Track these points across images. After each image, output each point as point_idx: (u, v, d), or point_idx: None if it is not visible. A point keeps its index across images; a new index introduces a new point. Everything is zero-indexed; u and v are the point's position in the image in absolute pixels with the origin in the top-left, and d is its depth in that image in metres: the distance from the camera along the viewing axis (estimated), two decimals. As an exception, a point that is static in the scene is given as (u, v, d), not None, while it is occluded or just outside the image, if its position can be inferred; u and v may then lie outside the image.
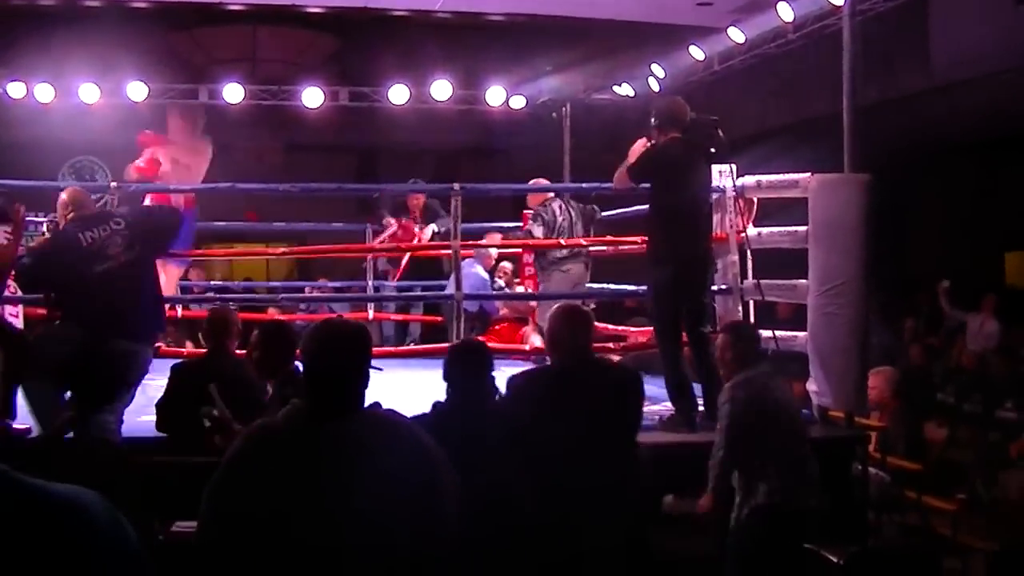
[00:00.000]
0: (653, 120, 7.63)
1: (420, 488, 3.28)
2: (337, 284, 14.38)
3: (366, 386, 3.48)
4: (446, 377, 4.93)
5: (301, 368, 3.60)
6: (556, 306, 5.68)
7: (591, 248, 10.73)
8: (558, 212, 10.36)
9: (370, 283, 12.54)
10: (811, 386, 7.96)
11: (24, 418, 6.85)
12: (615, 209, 10.57)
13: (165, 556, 4.93)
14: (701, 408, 7.53)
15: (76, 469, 4.18)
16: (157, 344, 7.71)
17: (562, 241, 10.02)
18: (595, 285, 11.39)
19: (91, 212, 7.37)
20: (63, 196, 7.43)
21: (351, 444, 3.30)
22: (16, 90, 13.16)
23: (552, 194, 10.77)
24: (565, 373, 5.30)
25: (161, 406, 6.41)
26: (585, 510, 4.63)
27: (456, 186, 9.08)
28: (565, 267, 10.48)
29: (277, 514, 3.17)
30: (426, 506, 3.27)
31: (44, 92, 13.06)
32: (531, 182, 10.84)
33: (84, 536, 1.73)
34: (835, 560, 6.19)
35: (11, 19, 13.39)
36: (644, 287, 8.25)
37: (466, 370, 4.89)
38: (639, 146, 7.78)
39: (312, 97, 14.72)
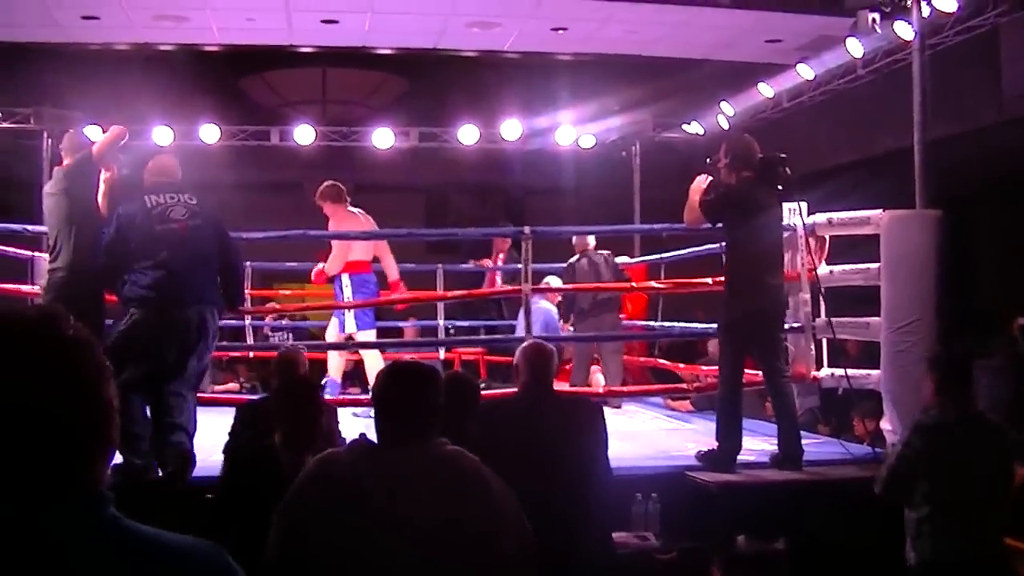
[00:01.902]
0: (725, 159, 7.60)
1: (480, 520, 3.36)
2: (408, 324, 14.36)
3: (432, 421, 3.57)
4: None
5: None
6: (524, 344, 6.05)
7: (661, 288, 10.79)
8: (585, 266, 11.20)
9: (441, 322, 12.58)
10: (885, 424, 7.87)
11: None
12: (683, 249, 10.54)
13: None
14: (775, 450, 7.47)
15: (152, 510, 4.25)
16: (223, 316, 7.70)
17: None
18: (664, 324, 11.39)
19: (167, 181, 7.40)
20: (152, 163, 7.53)
21: (411, 473, 3.40)
22: (93, 133, 13.36)
23: (591, 245, 11.28)
24: (526, 402, 5.65)
25: (231, 450, 6.43)
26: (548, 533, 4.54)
27: (527, 229, 9.07)
28: (597, 316, 11.21)
29: (340, 537, 3.28)
30: (486, 540, 3.35)
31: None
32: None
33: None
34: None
35: (87, 63, 13.61)
36: (714, 325, 8.21)
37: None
38: (700, 183, 7.76)
39: (382, 138, 14.85)
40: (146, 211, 7.08)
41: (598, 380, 11.18)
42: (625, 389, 11.25)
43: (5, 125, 14.86)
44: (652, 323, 12.07)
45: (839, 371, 8.68)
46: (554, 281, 11.72)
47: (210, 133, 14.68)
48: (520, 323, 9.27)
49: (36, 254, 9.75)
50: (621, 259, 12.67)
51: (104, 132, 8.11)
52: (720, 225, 7.69)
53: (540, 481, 4.91)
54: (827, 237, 9.06)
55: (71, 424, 1.63)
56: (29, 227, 7.83)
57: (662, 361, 12.07)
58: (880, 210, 8.19)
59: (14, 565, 1.56)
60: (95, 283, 7.32)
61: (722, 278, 8.00)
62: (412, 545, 3.25)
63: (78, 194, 7.23)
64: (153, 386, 7.05)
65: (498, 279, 12.91)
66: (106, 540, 1.63)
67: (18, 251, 9.89)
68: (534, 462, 5.11)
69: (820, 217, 8.98)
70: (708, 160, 7.84)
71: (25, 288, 9.49)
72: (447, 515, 3.31)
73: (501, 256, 13.07)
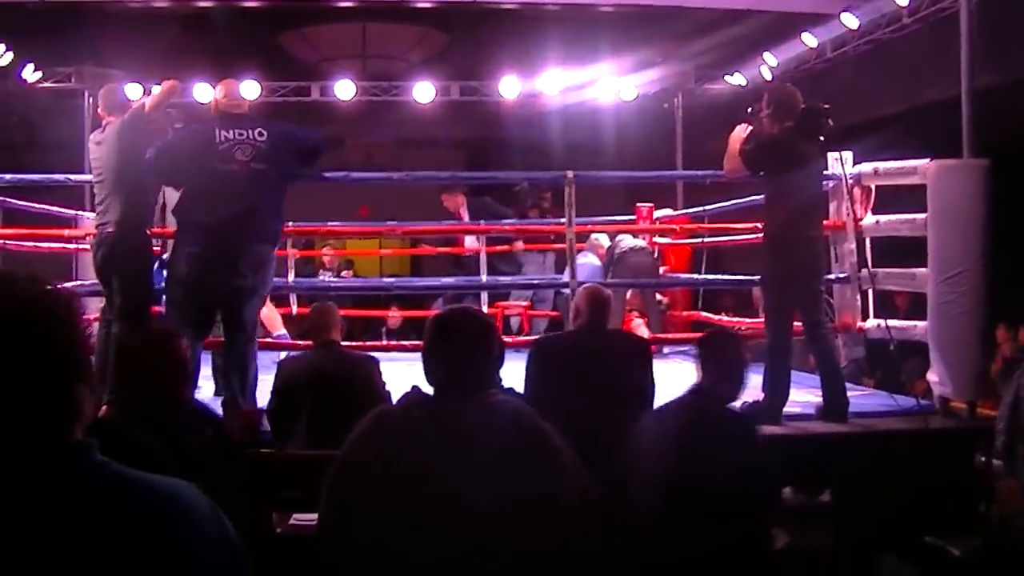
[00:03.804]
0: (767, 109, 7.53)
1: (541, 473, 3.26)
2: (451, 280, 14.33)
3: (487, 372, 3.49)
4: None
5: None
6: (584, 287, 6.75)
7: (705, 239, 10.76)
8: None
9: (484, 277, 12.58)
10: (932, 376, 7.81)
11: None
12: (723, 201, 10.48)
13: (282, 548, 5.00)
14: (820, 402, 7.43)
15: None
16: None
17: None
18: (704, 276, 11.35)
19: (238, 112, 7.44)
20: (219, 87, 7.57)
21: (468, 426, 3.29)
22: (133, 91, 13.39)
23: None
24: (584, 338, 6.17)
25: (273, 412, 6.44)
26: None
27: (569, 174, 9.02)
28: (631, 260, 11.33)
29: (396, 497, 3.17)
30: (547, 494, 3.24)
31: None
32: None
33: (182, 527, 1.78)
34: (957, 554, 6.05)
35: (128, 21, 13.61)
36: (756, 277, 8.17)
37: None
38: (740, 132, 7.69)
39: (423, 92, 14.79)
40: (212, 146, 7.12)
41: (640, 329, 11.17)
42: (668, 336, 11.25)
43: (46, 84, 14.90)
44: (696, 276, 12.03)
45: (884, 322, 8.61)
46: (602, 239, 11.70)
47: (250, 89, 14.67)
48: (566, 273, 9.24)
49: (80, 213, 9.81)
50: (663, 211, 12.63)
51: (145, 91, 8.17)
52: (761, 175, 7.63)
53: (595, 412, 5.03)
54: (873, 187, 8.97)
55: (50, 378, 1.75)
56: (72, 176, 7.84)
57: (705, 314, 12.01)
58: (927, 160, 8.10)
59: (20, 516, 1.68)
60: (144, 238, 7.37)
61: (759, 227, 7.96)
62: (472, 501, 3.14)
63: (129, 149, 7.25)
64: (205, 326, 7.16)
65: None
66: (95, 485, 1.75)
67: (62, 209, 9.95)
68: (592, 393, 5.50)
69: (866, 167, 8.89)
70: (749, 110, 7.77)
71: (71, 247, 9.55)
72: (508, 469, 3.21)
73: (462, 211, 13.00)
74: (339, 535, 3.26)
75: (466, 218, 12.64)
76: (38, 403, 1.75)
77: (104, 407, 6.76)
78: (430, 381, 3.49)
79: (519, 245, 12.79)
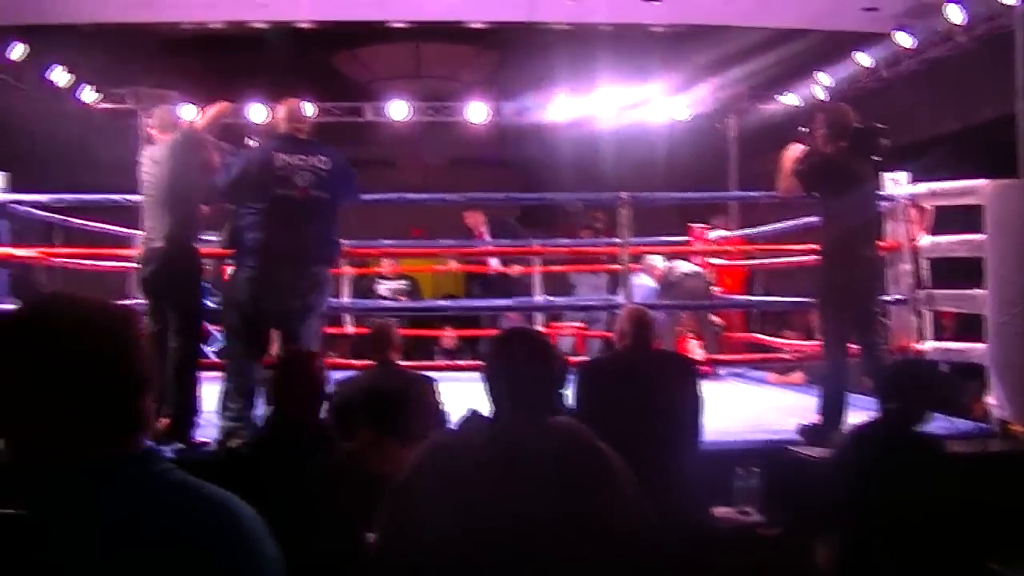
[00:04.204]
0: (821, 129, 7.49)
1: (602, 499, 3.23)
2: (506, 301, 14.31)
3: (547, 393, 3.47)
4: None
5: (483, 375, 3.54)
6: (627, 308, 6.79)
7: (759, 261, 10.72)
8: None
9: (538, 297, 12.55)
10: (990, 399, 7.72)
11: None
12: (777, 222, 10.42)
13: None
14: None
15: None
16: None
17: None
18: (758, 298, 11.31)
19: (301, 135, 7.46)
20: (281, 108, 7.58)
21: (528, 448, 3.26)
22: (187, 112, 13.50)
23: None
24: (630, 360, 6.17)
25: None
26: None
27: (624, 195, 9.01)
28: (686, 285, 11.41)
29: (455, 521, 3.13)
30: (608, 519, 3.21)
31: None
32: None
33: (239, 536, 1.90)
34: (1019, 579, 5.97)
35: (182, 42, 13.75)
36: (808, 298, 8.12)
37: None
38: (793, 152, 7.66)
39: (476, 112, 14.84)
40: (271, 170, 7.15)
41: (695, 351, 11.15)
42: (723, 357, 11.23)
43: (102, 105, 15.10)
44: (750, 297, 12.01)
45: (942, 344, 8.53)
46: (656, 260, 11.68)
47: (306, 111, 14.76)
48: (620, 294, 9.22)
49: (136, 232, 9.89)
50: (717, 233, 12.59)
51: (199, 111, 8.25)
52: (816, 195, 7.59)
53: (643, 432, 5.03)
54: (930, 207, 8.90)
55: (115, 392, 1.91)
56: (129, 196, 7.92)
57: (759, 336, 11.96)
58: (984, 180, 8.02)
59: (85, 515, 1.83)
60: (193, 253, 7.42)
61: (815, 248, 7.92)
62: (531, 524, 3.11)
63: (180, 167, 7.29)
64: (262, 347, 7.22)
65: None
66: (159, 491, 1.90)
67: (118, 228, 10.04)
68: (636, 416, 5.44)
69: (922, 187, 8.82)
70: (803, 129, 7.73)
71: (127, 265, 9.62)
72: (567, 491, 3.18)
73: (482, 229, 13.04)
74: (397, 558, 3.23)
75: (486, 236, 12.80)
76: (107, 412, 1.89)
77: (162, 420, 6.87)
78: (490, 402, 3.46)
79: (516, 269, 12.86)
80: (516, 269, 12.68)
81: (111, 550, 1.79)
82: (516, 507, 3.13)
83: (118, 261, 9.98)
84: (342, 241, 7.85)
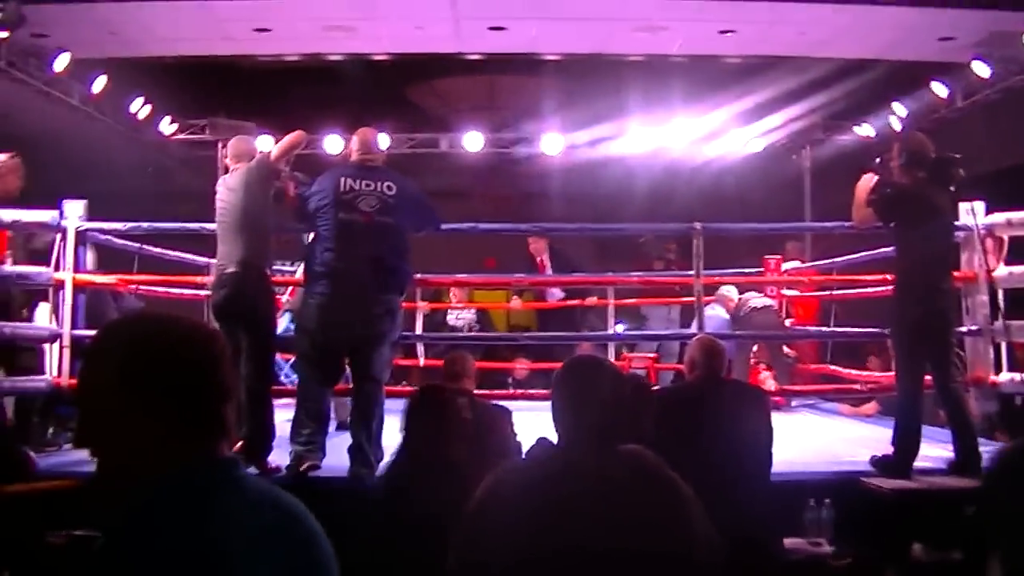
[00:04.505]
0: (899, 158, 7.44)
1: (670, 528, 3.21)
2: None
3: (616, 421, 3.45)
4: None
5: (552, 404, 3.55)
6: (697, 337, 6.78)
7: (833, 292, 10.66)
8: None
9: (612, 329, 12.52)
10: (1068, 431, 7.62)
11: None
12: (852, 254, 10.33)
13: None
14: (952, 456, 7.27)
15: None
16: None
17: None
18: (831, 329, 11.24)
19: (371, 163, 7.58)
20: (355, 138, 7.74)
21: (598, 477, 3.24)
22: (265, 143, 13.66)
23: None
24: (702, 390, 6.14)
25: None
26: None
27: (697, 225, 9.00)
28: (756, 319, 11.48)
29: (525, 550, 3.12)
30: (676, 548, 3.19)
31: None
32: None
33: (312, 539, 2.12)
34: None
35: (259, 74, 13.91)
36: (886, 329, 8.04)
37: None
38: (866, 182, 7.61)
39: (551, 144, 14.87)
40: (336, 194, 7.28)
41: (769, 384, 11.08)
42: (796, 388, 11.17)
43: (181, 136, 15.32)
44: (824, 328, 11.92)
45: (1019, 376, 8.42)
46: (731, 291, 11.65)
47: (380, 142, 14.87)
48: (694, 325, 9.18)
49: (212, 261, 10.02)
50: (791, 264, 12.53)
51: (276, 141, 8.36)
52: (892, 225, 7.53)
53: (711, 464, 5.00)
54: (1006, 237, 8.81)
55: (203, 402, 2.10)
56: (207, 225, 8.04)
57: (833, 367, 11.87)
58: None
59: (179, 517, 1.97)
60: (266, 279, 7.51)
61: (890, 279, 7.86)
62: (602, 553, 3.09)
63: (254, 195, 7.39)
64: (334, 374, 7.26)
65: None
66: (240, 495, 2.08)
67: (195, 257, 10.17)
68: (707, 445, 5.46)
69: (998, 217, 8.74)
70: (878, 159, 7.69)
71: (202, 293, 9.74)
72: (637, 521, 3.16)
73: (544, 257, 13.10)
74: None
75: (548, 263, 12.90)
76: (197, 420, 2.08)
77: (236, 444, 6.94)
78: (558, 430, 3.47)
79: (516, 302, 13.00)
80: (591, 301, 12.73)
81: (212, 544, 1.94)
82: (584, 534, 3.11)
83: (193, 288, 10.12)
84: (415, 273, 7.91)
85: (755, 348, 11.91)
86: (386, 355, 7.37)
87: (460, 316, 13.30)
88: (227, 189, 7.51)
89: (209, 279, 9.01)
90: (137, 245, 9.32)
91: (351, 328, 7.14)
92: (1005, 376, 8.72)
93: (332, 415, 7.68)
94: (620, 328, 13.01)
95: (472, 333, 12.75)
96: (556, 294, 13.22)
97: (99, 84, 12.88)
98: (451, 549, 3.29)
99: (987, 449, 7.51)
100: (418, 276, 9.42)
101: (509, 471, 3.39)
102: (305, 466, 6.98)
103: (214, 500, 2.02)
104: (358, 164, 7.49)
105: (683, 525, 3.24)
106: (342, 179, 7.32)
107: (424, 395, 5.74)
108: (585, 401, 3.42)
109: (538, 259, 12.95)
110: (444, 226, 8.30)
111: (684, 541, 3.21)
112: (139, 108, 14.07)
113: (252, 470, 6.89)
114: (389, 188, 7.31)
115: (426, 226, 7.74)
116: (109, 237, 9.08)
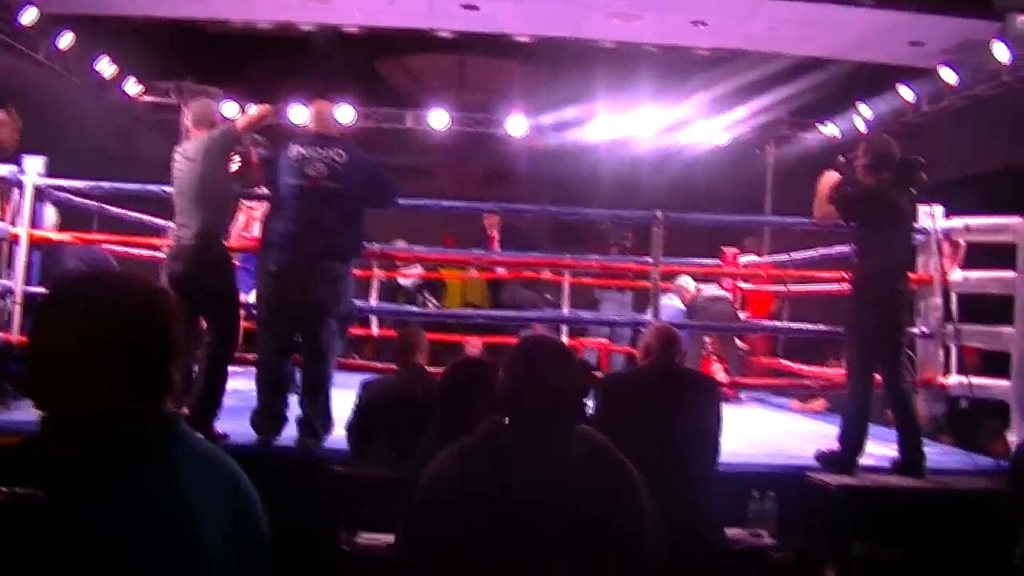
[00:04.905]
0: (864, 158, 7.48)
1: (623, 514, 3.22)
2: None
3: (569, 401, 3.45)
4: None
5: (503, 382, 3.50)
6: (654, 325, 6.79)
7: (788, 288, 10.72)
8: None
9: (566, 310, 12.54)
10: (1012, 436, 7.69)
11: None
12: (809, 250, 10.39)
13: (348, 565, 5.03)
14: (896, 456, 7.34)
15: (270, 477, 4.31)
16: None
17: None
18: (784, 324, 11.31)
19: (323, 132, 7.53)
20: (312, 109, 7.74)
21: (550, 457, 3.24)
22: (230, 110, 13.62)
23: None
24: (655, 376, 6.06)
25: (352, 429, 6.47)
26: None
27: (658, 213, 9.01)
28: (711, 309, 11.54)
29: (476, 529, 3.12)
30: (628, 535, 3.21)
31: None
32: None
33: (250, 495, 2.22)
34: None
35: (226, 41, 13.84)
36: (836, 327, 8.09)
37: None
38: (829, 179, 7.65)
39: (516, 126, 14.88)
40: (286, 160, 7.29)
41: (718, 373, 11.14)
42: (745, 381, 11.24)
43: (147, 98, 15.23)
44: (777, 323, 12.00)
45: (966, 379, 8.50)
46: (688, 282, 11.69)
47: (345, 114, 14.90)
48: (649, 312, 9.20)
49: (171, 223, 9.99)
50: (748, 258, 12.58)
51: (241, 109, 8.34)
52: (853, 224, 7.58)
53: (658, 450, 5.02)
54: (963, 242, 8.88)
55: (154, 360, 2.16)
56: (166, 188, 7.98)
57: (784, 362, 11.95)
58: (1018, 218, 7.99)
59: (125, 472, 2.06)
60: (223, 250, 7.49)
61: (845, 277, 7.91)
62: (551, 534, 3.10)
63: (215, 164, 7.34)
64: (291, 344, 7.30)
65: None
66: (189, 450, 2.16)
67: (154, 219, 10.12)
68: (655, 431, 5.42)
69: (957, 222, 8.80)
70: (842, 158, 7.73)
71: (160, 254, 9.71)
72: (587, 502, 3.16)
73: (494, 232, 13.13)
74: (418, 563, 3.24)
75: (496, 238, 12.96)
76: (142, 376, 2.14)
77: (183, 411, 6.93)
78: (508, 409, 3.42)
79: (472, 272, 13.04)
80: (545, 275, 12.72)
81: (173, 494, 2.05)
82: (535, 516, 3.12)
83: (152, 249, 10.07)
84: (373, 243, 7.88)
85: (708, 340, 11.96)
86: (333, 325, 7.33)
87: (407, 271, 13.35)
88: (185, 159, 7.45)
89: (167, 241, 8.98)
90: (97, 204, 9.26)
91: (299, 297, 7.12)
92: (954, 379, 8.80)
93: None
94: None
95: (428, 310, 12.74)
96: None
97: (65, 41, 12.79)
98: (399, 532, 3.29)
99: (932, 450, 7.60)
100: (376, 247, 9.43)
101: (457, 452, 3.34)
102: (268, 436, 7.04)
103: (168, 454, 2.09)
104: (312, 134, 7.47)
105: (633, 508, 3.25)
106: (293, 147, 7.32)
107: (462, 371, 5.59)
108: (538, 381, 3.39)
109: (488, 234, 12.94)
110: (406, 202, 8.27)
111: (634, 524, 3.23)
112: (105, 68, 13.97)
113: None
114: (339, 155, 7.28)
115: (381, 200, 7.67)
116: (68, 195, 9.02)
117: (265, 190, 7.79)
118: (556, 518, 3.12)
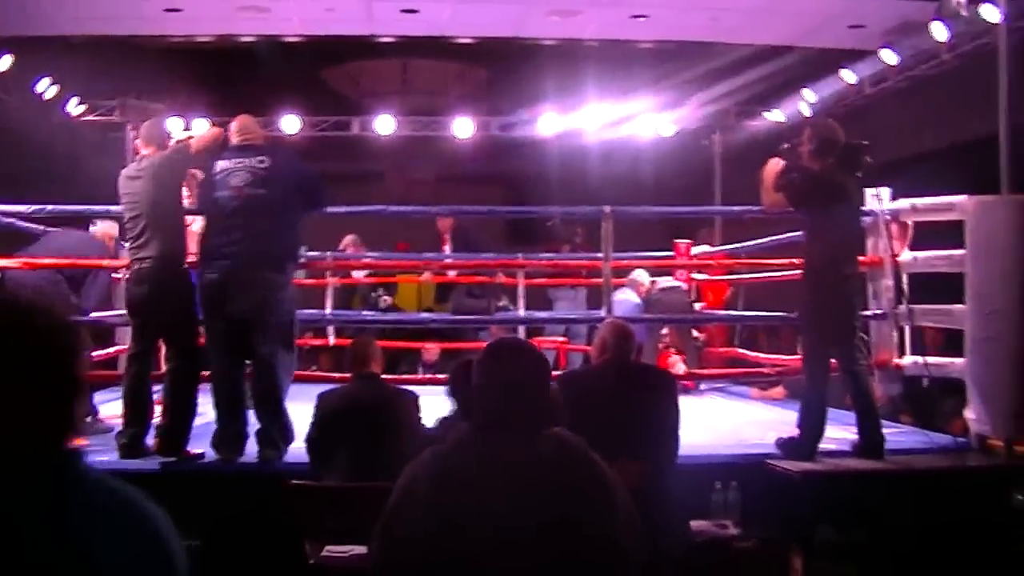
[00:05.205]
0: (809, 144, 7.50)
1: (597, 512, 3.22)
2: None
3: (541, 405, 3.44)
4: None
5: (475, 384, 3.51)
6: (608, 321, 6.85)
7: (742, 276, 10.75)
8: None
9: (521, 311, 12.52)
10: (969, 413, 7.74)
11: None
12: (761, 238, 10.42)
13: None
14: (856, 439, 7.38)
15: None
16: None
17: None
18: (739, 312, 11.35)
19: (246, 143, 7.46)
20: (233, 123, 7.63)
21: (522, 462, 3.25)
22: (175, 126, 13.53)
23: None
24: (610, 373, 6.04)
25: (311, 441, 6.43)
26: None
27: (607, 209, 9.02)
28: (665, 300, 11.62)
29: (451, 536, 3.12)
30: (602, 532, 3.21)
31: (202, 128, 13.35)
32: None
33: (160, 535, 2.01)
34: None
35: (168, 56, 13.74)
36: (793, 313, 8.12)
37: None
38: (773, 166, 7.68)
39: (462, 127, 14.87)
40: (213, 176, 7.31)
41: (677, 366, 11.17)
42: (704, 372, 11.27)
43: (91, 118, 15.09)
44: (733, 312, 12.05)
45: (922, 359, 8.55)
46: (642, 276, 11.70)
47: (291, 124, 14.86)
48: (604, 309, 9.20)
49: (123, 243, 9.91)
50: (701, 248, 12.61)
51: (186, 126, 8.27)
52: (802, 210, 7.61)
53: (618, 447, 5.01)
54: (911, 223, 8.94)
55: (66, 397, 2.00)
56: (112, 208, 7.92)
57: (742, 351, 11.99)
58: (965, 196, 8.05)
59: (35, 511, 1.89)
60: (183, 273, 7.45)
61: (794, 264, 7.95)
62: (524, 537, 3.10)
63: (169, 184, 7.34)
64: (238, 355, 7.29)
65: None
66: (91, 488, 1.99)
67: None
68: (614, 428, 5.34)
69: (904, 203, 8.86)
70: (786, 145, 7.76)
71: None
72: (561, 505, 3.17)
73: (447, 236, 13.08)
74: (393, 572, 3.24)
75: (448, 243, 12.89)
76: (51, 413, 1.96)
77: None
78: (478, 413, 3.44)
79: (427, 275, 13.00)
80: (500, 278, 12.68)
81: (72, 538, 1.88)
82: (510, 521, 3.12)
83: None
84: (318, 252, 7.85)
85: (665, 332, 11.99)
86: (275, 334, 7.27)
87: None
88: (133, 179, 7.42)
89: (117, 262, 8.91)
90: (41, 228, 9.19)
91: (233, 306, 7.09)
92: (909, 359, 8.85)
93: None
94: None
95: (385, 317, 12.68)
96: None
97: (4, 63, 12.66)
98: (373, 540, 3.27)
99: (891, 431, 7.65)
100: (328, 257, 9.40)
101: (429, 458, 3.33)
102: (227, 454, 7.03)
103: (68, 494, 1.95)
104: (235, 146, 7.43)
105: (606, 507, 3.25)
106: (218, 162, 7.32)
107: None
108: (509, 385, 3.40)
109: (442, 238, 12.93)
110: (356, 208, 8.24)
111: (608, 523, 3.22)
112: (46, 88, 13.85)
113: (173, 458, 7.00)
114: (261, 162, 7.25)
115: (310, 202, 7.59)
116: (11, 220, 8.95)
117: (200, 206, 7.79)
118: (529, 521, 3.13)
